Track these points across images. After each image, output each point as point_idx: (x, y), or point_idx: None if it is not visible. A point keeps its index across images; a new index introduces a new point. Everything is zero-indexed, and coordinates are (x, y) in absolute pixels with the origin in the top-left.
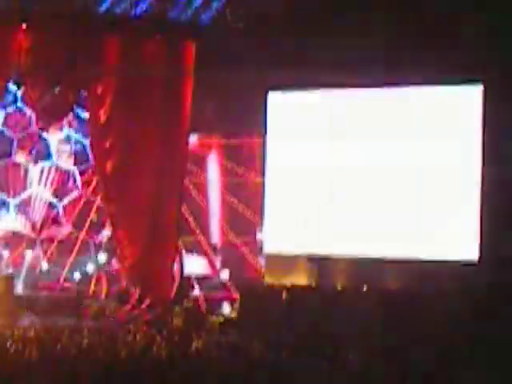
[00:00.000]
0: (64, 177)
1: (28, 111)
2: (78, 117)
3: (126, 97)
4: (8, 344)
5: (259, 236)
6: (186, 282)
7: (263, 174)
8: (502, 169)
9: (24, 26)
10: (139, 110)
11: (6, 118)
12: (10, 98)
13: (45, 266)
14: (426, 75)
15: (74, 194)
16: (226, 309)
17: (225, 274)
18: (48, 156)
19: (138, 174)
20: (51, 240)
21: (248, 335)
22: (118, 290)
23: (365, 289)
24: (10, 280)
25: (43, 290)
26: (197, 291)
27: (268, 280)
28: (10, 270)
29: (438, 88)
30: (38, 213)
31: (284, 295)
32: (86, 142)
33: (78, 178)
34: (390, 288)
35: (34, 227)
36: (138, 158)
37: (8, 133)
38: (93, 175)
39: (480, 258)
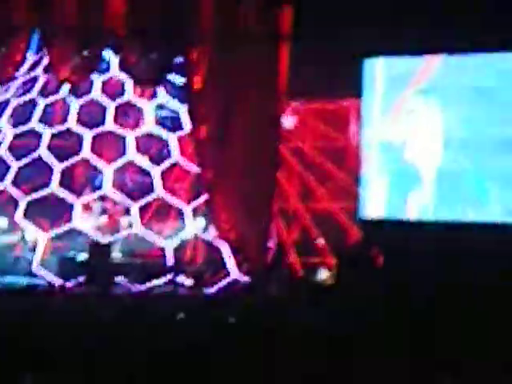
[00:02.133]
0: (159, 144)
1: (124, 78)
2: (173, 83)
3: (221, 62)
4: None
5: (355, 202)
6: (282, 247)
7: (360, 141)
8: None
9: None
10: (234, 76)
11: (102, 86)
12: (105, 65)
13: (140, 232)
14: None
15: (170, 160)
16: (323, 274)
17: (321, 240)
18: (143, 123)
19: (234, 140)
20: (147, 207)
21: (345, 302)
22: (214, 257)
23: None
24: (106, 246)
25: (139, 257)
26: (293, 257)
27: (364, 245)
28: (106, 237)
29: None
30: (134, 180)
31: (380, 260)
32: (182, 108)
33: (174, 144)
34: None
35: (129, 194)
36: (234, 124)
37: (103, 101)
38: (189, 142)
39: None
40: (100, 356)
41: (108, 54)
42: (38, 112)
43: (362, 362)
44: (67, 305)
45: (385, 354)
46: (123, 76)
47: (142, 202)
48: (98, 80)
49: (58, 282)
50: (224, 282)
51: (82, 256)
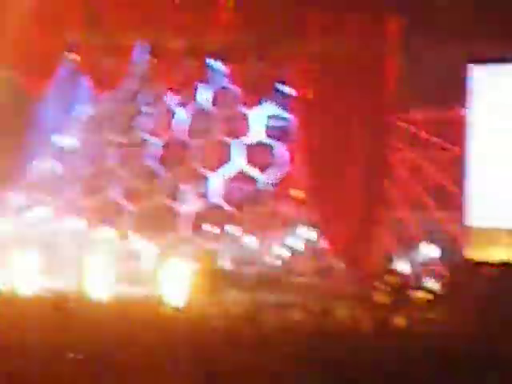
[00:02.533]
0: (268, 153)
1: (233, 88)
2: (281, 92)
3: (331, 72)
4: (213, 320)
5: (461, 209)
6: (390, 257)
7: (466, 148)
8: None
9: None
10: (344, 86)
11: (209, 95)
12: (216, 76)
13: (249, 240)
14: None
15: (279, 169)
16: (431, 284)
17: (429, 249)
18: (252, 132)
19: (344, 150)
20: (254, 215)
21: (454, 311)
22: (323, 265)
23: None
24: (214, 255)
25: (248, 265)
26: (401, 266)
27: (470, 254)
28: (215, 246)
29: None
30: (241, 188)
31: (491, 271)
32: (290, 117)
33: (283, 153)
34: None
35: (237, 203)
36: (344, 134)
37: (213, 111)
38: (297, 151)
39: None
40: None
41: (217, 64)
42: (145, 121)
43: None
44: None
45: None
46: (232, 86)
47: (251, 210)
48: (205, 90)
49: None
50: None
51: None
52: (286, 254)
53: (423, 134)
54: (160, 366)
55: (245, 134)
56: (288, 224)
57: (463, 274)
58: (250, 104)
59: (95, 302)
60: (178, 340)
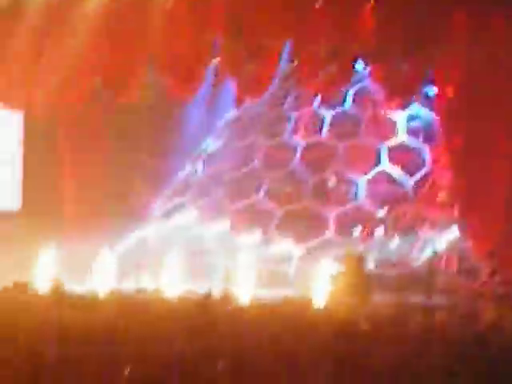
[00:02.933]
0: (412, 154)
1: (377, 90)
2: (425, 94)
3: (474, 75)
4: (360, 321)
5: None
6: None
7: None
8: None
9: (372, 2)
10: (487, 87)
11: (353, 97)
12: (360, 78)
13: (395, 242)
14: None
15: (424, 171)
16: None
17: None
18: (396, 134)
19: (489, 150)
20: (400, 217)
21: None
22: (468, 266)
23: None
24: (361, 258)
25: (394, 267)
26: None
27: None
28: (361, 248)
29: None
30: (386, 190)
31: None
32: (434, 119)
33: (427, 155)
34: None
35: (382, 205)
36: (489, 137)
37: (358, 113)
38: (442, 151)
39: None
40: None
41: (360, 66)
42: (290, 125)
43: None
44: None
45: None
46: (375, 87)
47: (397, 212)
48: (349, 91)
49: None
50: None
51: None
52: (432, 255)
53: None
54: (304, 369)
55: (390, 136)
56: (433, 225)
57: None
58: (395, 106)
59: (239, 305)
60: (324, 342)
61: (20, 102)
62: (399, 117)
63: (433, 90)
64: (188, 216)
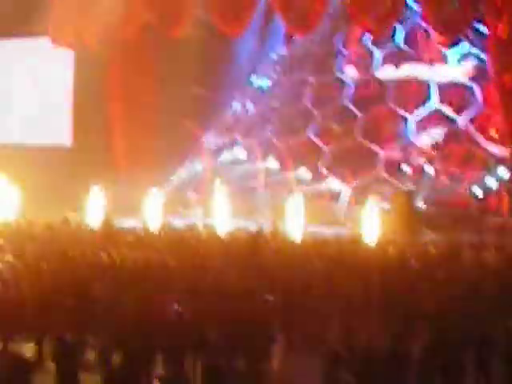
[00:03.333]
0: (463, 92)
1: (429, 28)
2: (477, 31)
3: None
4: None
5: None
6: None
7: None
8: None
9: None
10: None
11: (408, 36)
12: (411, 15)
13: (445, 181)
14: None
15: (475, 109)
16: None
17: None
18: (448, 72)
19: None
20: (451, 155)
21: None
22: None
23: None
24: (410, 195)
25: (443, 206)
26: None
27: None
28: (411, 185)
29: None
30: (436, 128)
31: None
32: (486, 56)
33: (478, 92)
34: None
35: (433, 143)
36: None
37: (409, 50)
38: (493, 90)
39: None
40: None
41: (413, 4)
42: (340, 61)
43: None
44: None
45: None
46: (426, 24)
47: (448, 150)
48: (401, 30)
49: None
50: None
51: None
52: (482, 193)
53: None
54: (355, 304)
55: (441, 74)
56: (484, 164)
57: None
58: (446, 43)
59: (290, 242)
60: (374, 279)
61: (72, 40)
62: (451, 54)
63: (485, 28)
64: (238, 152)
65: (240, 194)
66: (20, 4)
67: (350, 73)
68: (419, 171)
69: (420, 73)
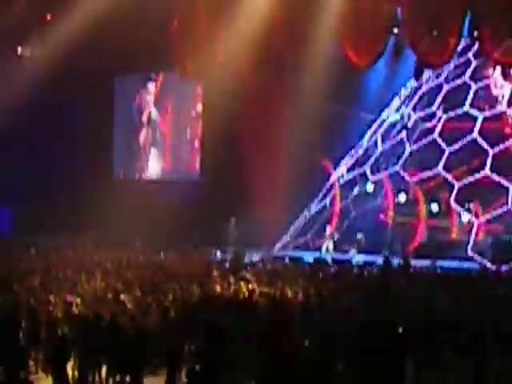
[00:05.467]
0: None
1: None
2: None
3: None
4: None
5: None
6: None
7: None
8: None
9: None
10: None
11: None
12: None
13: None
14: None
15: None
16: None
17: None
18: None
19: None
20: None
21: None
22: None
23: None
24: None
25: None
26: None
27: None
28: None
29: None
30: None
31: None
32: None
33: None
34: None
35: None
36: None
37: None
38: None
39: None
40: None
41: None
42: (470, 96)
43: None
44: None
45: None
46: None
47: None
48: None
49: (492, 266)
50: None
51: None
52: None
53: None
54: None
55: None
56: None
57: None
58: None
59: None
60: None
61: (199, 75)
62: None
63: None
64: (367, 187)
65: (370, 228)
66: (145, 40)
67: (480, 107)
68: None
69: None
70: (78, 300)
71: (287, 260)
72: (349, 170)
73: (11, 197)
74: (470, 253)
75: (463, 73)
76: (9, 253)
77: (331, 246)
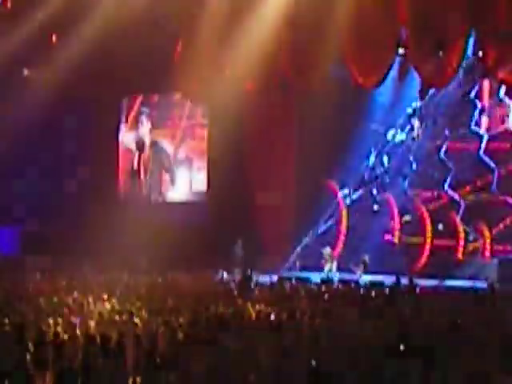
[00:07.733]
0: None
1: None
2: None
3: None
4: None
5: None
6: None
7: None
8: None
9: None
10: None
11: None
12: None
13: None
14: None
15: None
16: None
17: None
18: None
19: None
20: None
21: None
22: None
23: None
24: None
25: None
26: None
27: None
28: None
29: None
30: None
31: None
32: None
33: None
34: None
35: None
36: None
37: None
38: None
39: None
40: None
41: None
42: (476, 115)
43: None
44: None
45: None
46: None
47: None
48: None
49: (499, 285)
50: None
51: None
52: None
53: None
54: None
55: None
56: None
57: None
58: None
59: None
60: None
61: (205, 96)
62: None
63: None
64: (375, 206)
65: (374, 248)
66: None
67: (485, 126)
68: None
69: None
70: (86, 321)
71: (294, 281)
72: (355, 190)
73: (19, 217)
74: (476, 272)
75: (469, 92)
76: (16, 273)
77: (334, 267)
